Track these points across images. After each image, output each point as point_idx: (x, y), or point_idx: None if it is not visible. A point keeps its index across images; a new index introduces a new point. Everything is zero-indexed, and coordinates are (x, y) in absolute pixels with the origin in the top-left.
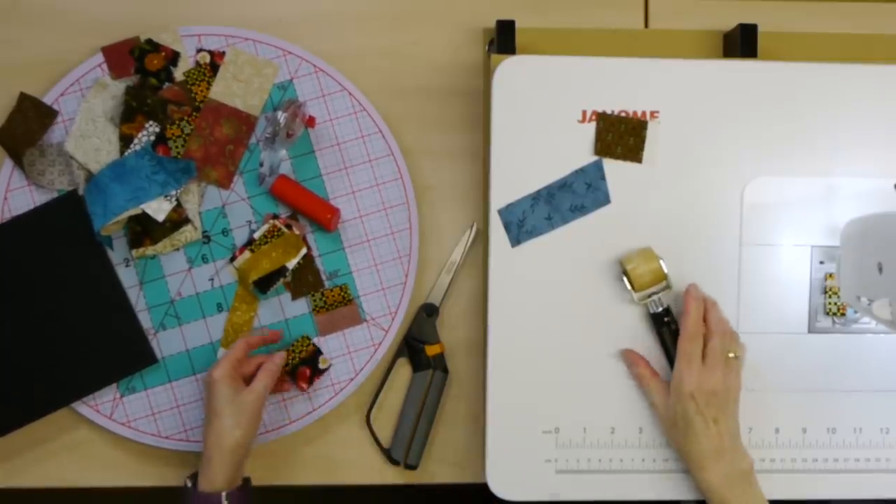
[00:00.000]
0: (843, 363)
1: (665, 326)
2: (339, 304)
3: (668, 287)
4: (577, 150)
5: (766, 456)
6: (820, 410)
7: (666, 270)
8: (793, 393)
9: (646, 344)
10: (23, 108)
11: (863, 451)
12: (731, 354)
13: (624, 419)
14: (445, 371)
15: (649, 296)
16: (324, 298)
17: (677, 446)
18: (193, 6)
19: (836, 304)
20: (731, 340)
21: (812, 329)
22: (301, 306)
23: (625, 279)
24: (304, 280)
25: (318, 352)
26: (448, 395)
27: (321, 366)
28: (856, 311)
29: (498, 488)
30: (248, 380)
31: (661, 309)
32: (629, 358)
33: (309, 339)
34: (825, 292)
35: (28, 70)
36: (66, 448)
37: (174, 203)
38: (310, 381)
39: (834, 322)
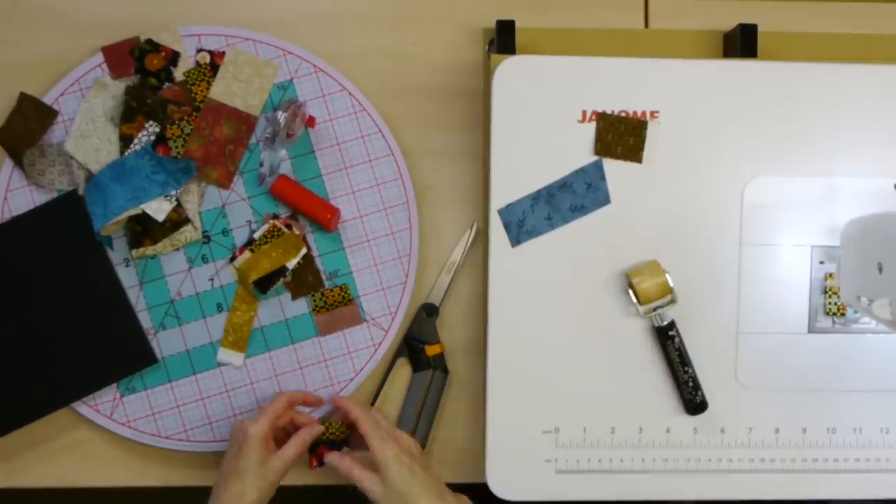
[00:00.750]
0: (843, 363)
1: (669, 340)
2: (339, 304)
3: (672, 301)
4: (577, 150)
5: (766, 456)
6: (820, 410)
7: (672, 284)
8: (793, 393)
9: (644, 343)
10: (23, 108)
11: (863, 451)
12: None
13: (624, 419)
14: (445, 371)
15: (654, 309)
16: (324, 298)
17: None
18: (193, 6)
19: (836, 304)
20: (384, 428)
21: (812, 329)
22: (301, 306)
23: (630, 292)
24: (304, 280)
25: (344, 442)
26: (448, 395)
27: (326, 458)
28: (856, 311)
29: (498, 488)
30: (276, 434)
31: (665, 323)
32: (339, 462)
33: (346, 427)
34: (825, 292)
35: (28, 70)
36: (65, 448)
37: (174, 203)
38: (320, 464)
39: (834, 322)
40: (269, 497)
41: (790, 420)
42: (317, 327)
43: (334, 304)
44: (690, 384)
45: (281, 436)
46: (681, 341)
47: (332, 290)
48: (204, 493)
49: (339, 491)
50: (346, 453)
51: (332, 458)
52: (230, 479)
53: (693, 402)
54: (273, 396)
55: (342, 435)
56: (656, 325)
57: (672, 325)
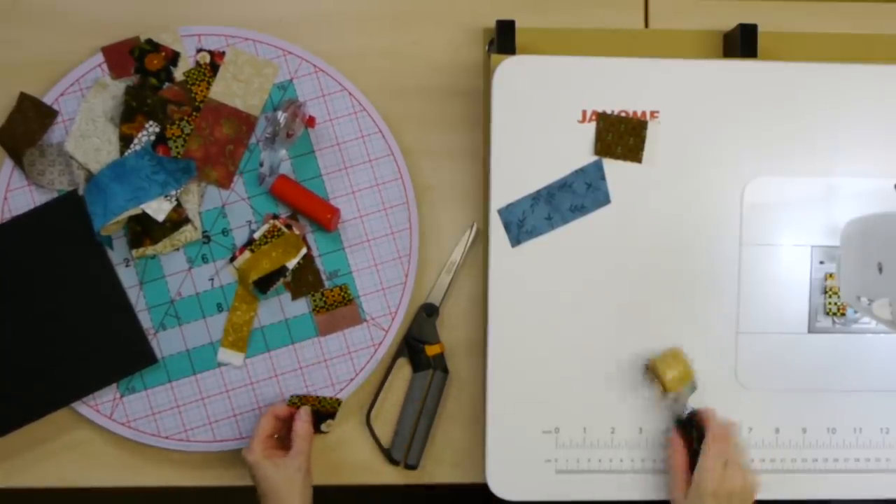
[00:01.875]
0: (843, 363)
1: (694, 429)
2: (339, 304)
3: (693, 388)
4: (577, 150)
5: (766, 456)
6: (820, 410)
7: (693, 368)
8: (793, 393)
9: (644, 343)
10: (23, 108)
11: (863, 451)
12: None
13: (624, 419)
14: (445, 371)
15: (676, 399)
16: (324, 298)
17: None
18: (193, 6)
19: (836, 304)
20: (742, 449)
21: (812, 329)
22: (301, 306)
23: (655, 381)
24: (304, 280)
25: (331, 416)
26: (448, 395)
27: (323, 427)
28: (856, 311)
29: (498, 488)
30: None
31: (687, 413)
32: (673, 444)
33: (339, 402)
34: (825, 292)
35: (28, 70)
36: (65, 448)
37: (174, 203)
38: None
39: (834, 322)
40: (310, 486)
41: (790, 420)
42: (317, 327)
43: (334, 304)
44: None
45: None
46: (702, 429)
47: (332, 290)
48: (204, 493)
49: (340, 491)
50: (684, 447)
51: (676, 443)
52: (269, 498)
53: None
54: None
55: (332, 408)
56: (677, 418)
57: (694, 412)
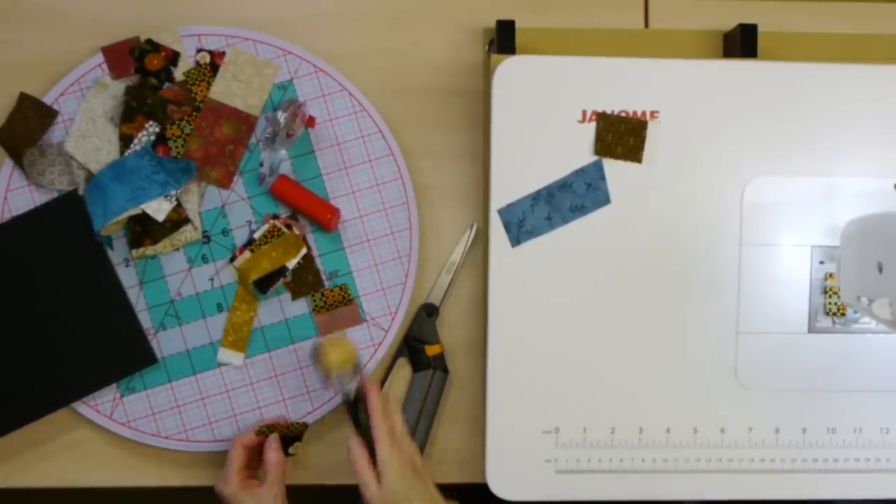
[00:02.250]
0: (843, 363)
1: (359, 411)
2: (339, 304)
3: (361, 372)
4: (577, 150)
5: (766, 456)
6: (820, 410)
7: (357, 355)
8: (793, 393)
9: (644, 343)
10: (23, 108)
11: (863, 451)
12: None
13: (624, 419)
14: (445, 371)
15: (341, 381)
16: (324, 298)
17: None
18: (193, 6)
19: (836, 304)
20: (394, 421)
21: (812, 329)
22: (301, 306)
23: (320, 364)
24: (304, 280)
25: (298, 438)
26: (448, 395)
27: (290, 450)
28: (856, 311)
29: (498, 488)
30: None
31: (353, 398)
32: (350, 444)
33: (306, 426)
34: (825, 292)
35: (28, 70)
36: (65, 448)
37: (174, 203)
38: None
39: (834, 322)
40: None
41: (790, 420)
42: (317, 327)
43: (334, 304)
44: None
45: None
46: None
47: (331, 291)
48: (204, 493)
49: (340, 491)
50: (362, 444)
51: (352, 442)
52: None
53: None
54: (230, 447)
55: (299, 432)
56: (343, 401)
57: (358, 397)
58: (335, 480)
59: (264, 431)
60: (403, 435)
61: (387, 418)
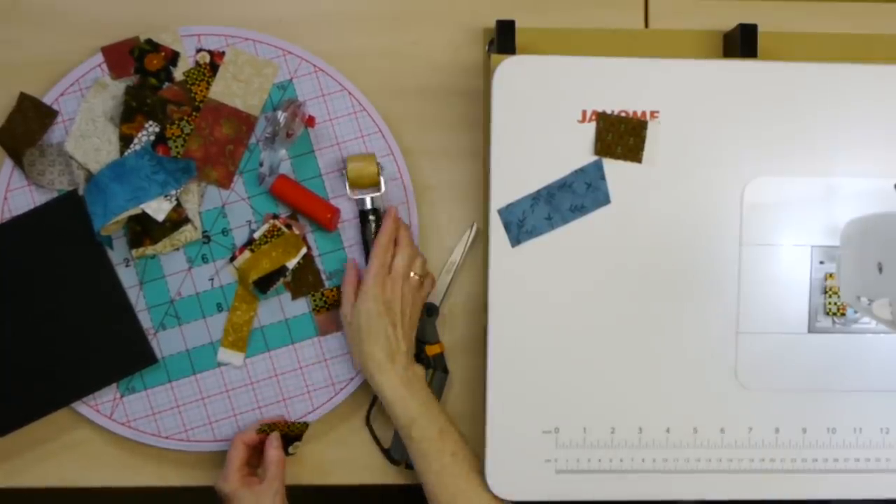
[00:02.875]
0: (843, 363)
1: (368, 223)
2: (339, 304)
3: (380, 192)
4: (577, 150)
5: (766, 456)
6: (820, 410)
7: (382, 178)
8: (793, 393)
9: (644, 343)
10: (23, 108)
11: (863, 451)
12: (413, 274)
13: (624, 419)
14: (445, 371)
15: (363, 195)
16: (324, 298)
17: (359, 351)
18: (193, 6)
19: (836, 304)
20: (415, 260)
21: (812, 329)
22: (301, 306)
23: (344, 174)
24: (305, 280)
25: (299, 437)
26: (448, 395)
27: (290, 449)
28: (856, 311)
29: (498, 488)
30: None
31: (369, 207)
32: (348, 267)
33: (306, 426)
34: (825, 292)
35: (28, 70)
36: (66, 448)
37: (174, 203)
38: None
39: (834, 322)
40: None
41: (790, 420)
42: (317, 327)
43: (335, 304)
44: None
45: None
46: (378, 228)
47: (332, 290)
48: (204, 493)
49: (340, 491)
50: (357, 271)
51: (349, 265)
52: None
53: None
54: (230, 445)
55: (300, 431)
56: (360, 208)
57: (375, 211)
58: (335, 480)
59: (265, 430)
60: (398, 277)
61: (384, 254)
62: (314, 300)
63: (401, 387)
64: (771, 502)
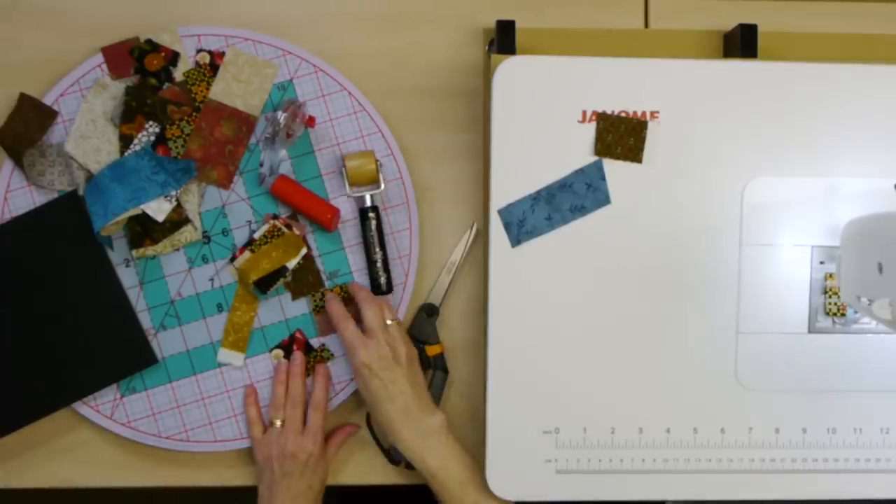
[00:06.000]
0: (843, 363)
1: (368, 221)
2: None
3: (379, 189)
4: (577, 150)
5: (766, 456)
6: (820, 410)
7: (381, 175)
8: (793, 393)
9: (645, 342)
10: (23, 109)
11: (863, 451)
12: (388, 321)
13: (624, 419)
14: (445, 371)
15: (362, 193)
16: (324, 298)
17: (375, 420)
18: (193, 7)
19: (836, 304)
20: (382, 309)
21: (812, 329)
22: (301, 306)
23: (344, 172)
24: (305, 280)
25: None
26: (448, 395)
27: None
28: (856, 311)
29: (498, 488)
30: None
31: (368, 205)
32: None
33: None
34: (825, 292)
35: (28, 70)
36: (66, 448)
37: (174, 203)
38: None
39: (834, 322)
40: None
41: (790, 420)
42: (317, 327)
43: None
44: (379, 265)
45: None
46: (378, 225)
47: (332, 291)
48: (204, 493)
49: (340, 491)
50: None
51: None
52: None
53: (377, 281)
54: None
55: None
56: (359, 206)
57: (375, 208)
58: (336, 480)
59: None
60: (375, 331)
61: (347, 324)
62: (315, 300)
63: (416, 444)
64: (771, 502)
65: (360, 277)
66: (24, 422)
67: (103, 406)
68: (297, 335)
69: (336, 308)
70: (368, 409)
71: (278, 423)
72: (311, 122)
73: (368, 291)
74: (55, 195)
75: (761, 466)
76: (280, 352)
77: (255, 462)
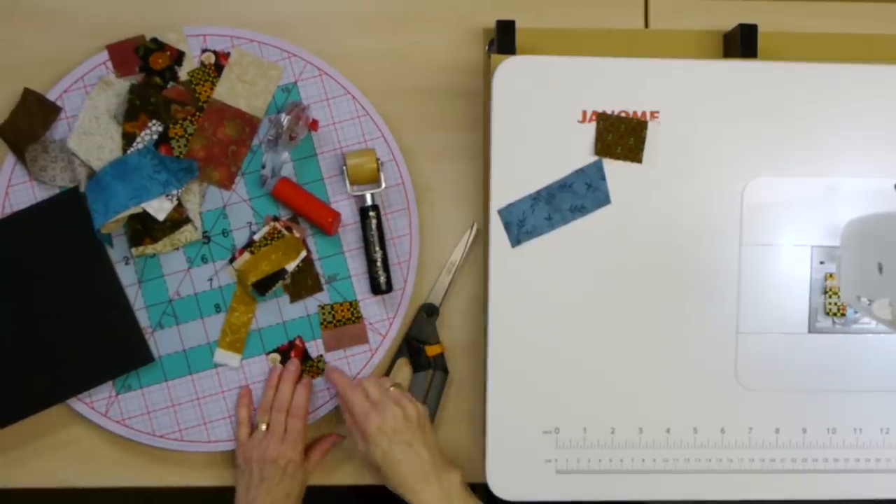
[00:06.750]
0: (843, 363)
1: (368, 220)
2: (347, 321)
3: (380, 188)
4: (577, 150)
5: (766, 456)
6: (820, 410)
7: (381, 174)
8: (793, 393)
9: (645, 342)
10: (27, 104)
11: (863, 451)
12: (390, 387)
13: (624, 419)
14: (445, 371)
15: (362, 192)
16: (332, 312)
17: (393, 486)
18: (199, 7)
19: (836, 304)
20: (381, 381)
21: (812, 329)
22: (299, 309)
23: (345, 171)
24: (303, 283)
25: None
26: (448, 395)
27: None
28: (856, 311)
29: (498, 488)
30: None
31: (369, 204)
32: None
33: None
34: (825, 292)
35: (28, 70)
36: (60, 445)
37: (175, 202)
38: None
39: (834, 322)
40: None
41: (790, 420)
42: (323, 343)
43: (342, 321)
44: (378, 264)
45: None
46: (379, 224)
47: (341, 305)
48: (197, 493)
49: (340, 491)
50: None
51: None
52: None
53: (377, 281)
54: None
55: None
56: (359, 206)
57: (375, 207)
58: (336, 480)
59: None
60: (381, 399)
61: (355, 397)
62: (323, 313)
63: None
64: (771, 502)
65: (358, 282)
66: (18, 416)
67: (98, 403)
68: (297, 342)
69: (339, 378)
70: (382, 475)
71: (263, 426)
72: (314, 125)
73: (349, 378)
74: (56, 191)
75: (761, 466)
76: (277, 356)
77: (235, 463)
